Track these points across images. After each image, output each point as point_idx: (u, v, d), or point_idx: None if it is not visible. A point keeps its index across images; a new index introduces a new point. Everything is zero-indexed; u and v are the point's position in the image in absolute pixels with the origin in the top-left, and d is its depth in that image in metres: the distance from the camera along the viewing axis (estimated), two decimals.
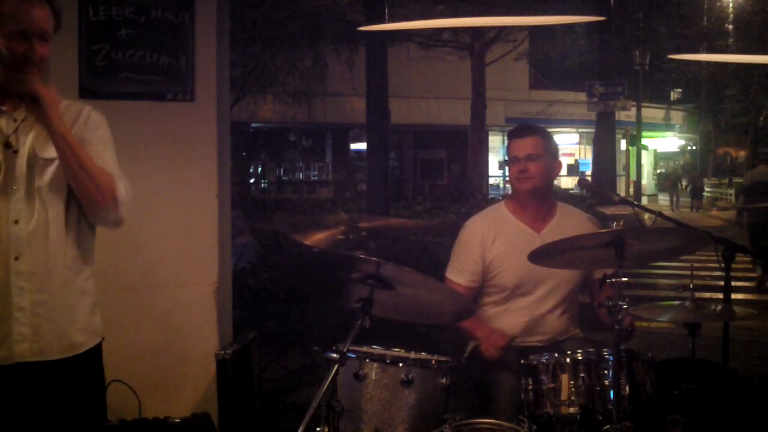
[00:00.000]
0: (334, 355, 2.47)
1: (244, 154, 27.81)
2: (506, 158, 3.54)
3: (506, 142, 3.61)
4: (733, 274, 3.36)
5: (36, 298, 2.26)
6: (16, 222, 2.25)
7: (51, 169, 2.28)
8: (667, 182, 31.08)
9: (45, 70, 2.32)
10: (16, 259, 2.24)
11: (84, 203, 2.30)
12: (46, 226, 2.28)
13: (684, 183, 31.39)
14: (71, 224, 2.35)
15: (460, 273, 3.38)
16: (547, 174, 3.35)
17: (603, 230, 2.85)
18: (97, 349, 2.42)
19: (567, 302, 3.34)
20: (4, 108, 2.29)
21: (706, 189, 31.88)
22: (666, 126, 36.52)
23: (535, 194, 3.34)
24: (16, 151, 2.27)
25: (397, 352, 2.80)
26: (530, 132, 3.37)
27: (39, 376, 2.28)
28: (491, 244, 3.34)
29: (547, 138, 3.39)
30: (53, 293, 2.30)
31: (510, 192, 3.53)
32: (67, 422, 2.32)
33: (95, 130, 2.39)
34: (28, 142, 2.28)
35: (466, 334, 3.37)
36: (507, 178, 3.70)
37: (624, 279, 2.67)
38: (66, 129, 2.25)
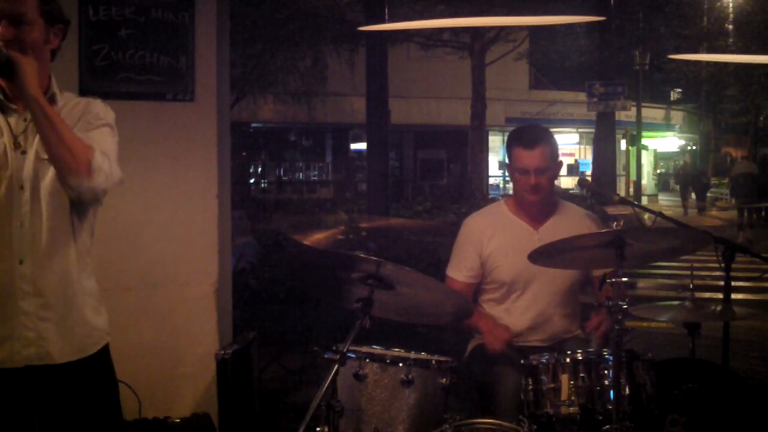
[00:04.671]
0: (334, 356, 2.47)
1: (244, 154, 27.79)
2: (506, 161, 3.44)
3: (507, 143, 3.50)
4: (733, 274, 3.36)
5: (41, 301, 2.23)
6: (21, 225, 2.21)
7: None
8: (677, 179, 28.56)
9: (39, 60, 2.24)
10: (21, 262, 2.21)
11: (57, 170, 2.19)
12: (51, 228, 2.25)
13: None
14: (75, 224, 2.31)
15: (458, 269, 3.39)
16: (554, 181, 3.37)
17: (603, 230, 2.85)
18: (105, 349, 2.40)
19: (567, 300, 3.35)
20: (14, 107, 2.25)
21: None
22: (666, 126, 36.49)
23: (543, 200, 3.34)
24: (24, 152, 2.24)
25: (397, 352, 2.80)
26: (539, 142, 3.25)
27: (49, 379, 2.25)
28: (488, 240, 3.35)
29: (553, 142, 3.33)
30: (59, 296, 2.26)
31: (510, 193, 3.50)
32: (81, 424, 2.29)
33: (96, 119, 2.34)
34: (35, 142, 2.23)
35: (469, 330, 3.37)
36: (507, 178, 3.60)
37: (624, 279, 2.68)
38: (38, 91, 2.14)
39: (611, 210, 11.71)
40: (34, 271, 2.22)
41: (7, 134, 2.25)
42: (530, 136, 3.29)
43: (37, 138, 2.22)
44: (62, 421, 2.28)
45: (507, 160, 3.43)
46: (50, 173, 2.23)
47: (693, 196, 26.30)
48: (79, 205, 2.30)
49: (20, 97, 2.19)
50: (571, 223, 3.32)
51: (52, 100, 2.29)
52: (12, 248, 2.20)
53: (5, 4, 2.18)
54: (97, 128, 2.32)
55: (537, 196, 3.29)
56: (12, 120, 2.25)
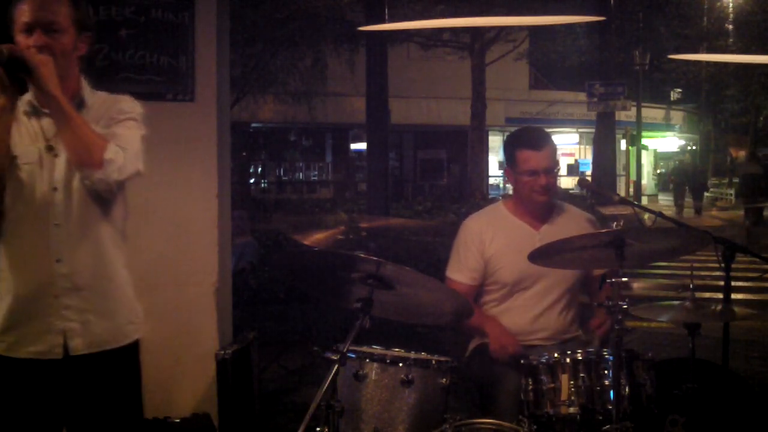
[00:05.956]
0: (334, 355, 2.47)
1: (244, 154, 27.79)
2: (506, 165, 3.43)
3: (508, 147, 3.45)
4: (733, 274, 3.36)
5: (81, 295, 2.30)
6: (57, 225, 2.27)
7: None
8: (675, 179, 26.47)
9: (66, 66, 2.28)
10: (58, 261, 2.27)
11: (72, 162, 2.26)
12: (86, 226, 2.31)
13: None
14: (111, 217, 2.38)
15: (460, 271, 3.38)
16: (556, 180, 3.38)
17: (603, 230, 2.85)
18: (137, 341, 2.47)
19: (567, 299, 3.35)
20: (46, 110, 2.28)
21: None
22: (666, 126, 36.49)
23: (550, 200, 3.35)
24: (57, 155, 2.29)
25: (397, 352, 2.80)
26: (546, 142, 3.29)
27: (84, 367, 2.32)
28: (490, 241, 3.34)
29: (553, 142, 3.37)
30: (98, 290, 2.34)
31: (510, 194, 3.50)
32: (111, 411, 2.37)
33: (120, 113, 2.38)
34: None
35: (473, 330, 3.37)
36: (506, 179, 3.60)
37: (624, 279, 2.68)
38: (56, 87, 2.16)
39: (609, 210, 11.71)
40: (71, 269, 2.28)
41: (41, 138, 2.30)
42: (537, 138, 3.31)
43: None
44: (93, 408, 2.35)
45: (507, 164, 3.40)
46: None
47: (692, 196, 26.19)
48: (106, 200, 2.35)
49: (41, 95, 2.22)
50: (571, 224, 3.33)
51: (80, 105, 2.33)
52: (49, 247, 2.27)
53: (39, 12, 2.23)
54: (121, 122, 2.37)
55: (547, 196, 3.30)
56: (45, 123, 2.29)
